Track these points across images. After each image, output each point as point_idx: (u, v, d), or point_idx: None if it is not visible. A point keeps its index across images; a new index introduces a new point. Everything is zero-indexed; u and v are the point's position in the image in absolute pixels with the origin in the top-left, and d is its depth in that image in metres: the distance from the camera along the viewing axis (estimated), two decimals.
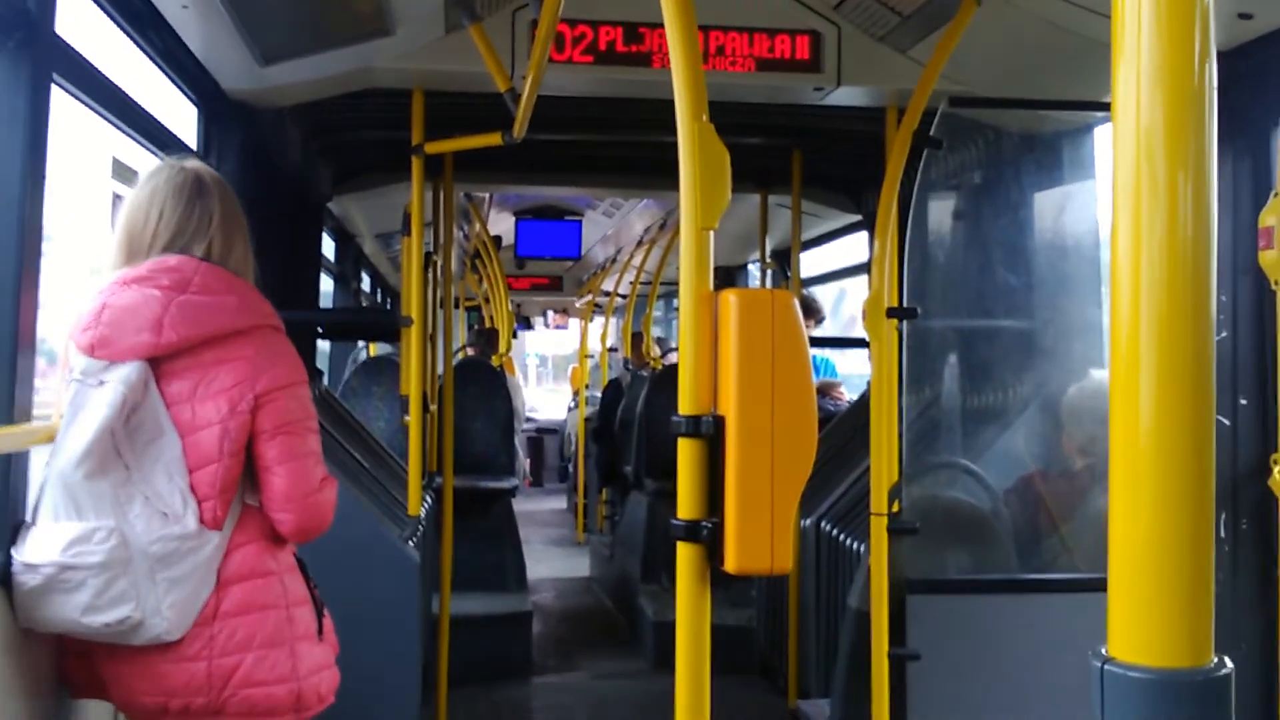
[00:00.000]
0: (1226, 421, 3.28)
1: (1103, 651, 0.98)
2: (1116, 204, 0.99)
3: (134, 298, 2.22)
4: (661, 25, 1.71)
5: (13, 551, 2.13)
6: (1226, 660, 0.97)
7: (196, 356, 2.22)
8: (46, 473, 2.14)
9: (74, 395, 2.15)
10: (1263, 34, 3.10)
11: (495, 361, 9.48)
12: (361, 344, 8.76)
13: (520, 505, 7.95)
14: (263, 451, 2.26)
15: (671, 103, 1.69)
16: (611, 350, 13.11)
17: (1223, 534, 3.29)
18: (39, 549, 2.10)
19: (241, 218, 2.43)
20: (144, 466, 2.16)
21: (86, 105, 2.76)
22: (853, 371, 7.96)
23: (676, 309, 13.10)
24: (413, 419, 4.15)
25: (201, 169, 2.42)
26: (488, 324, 12.66)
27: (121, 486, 2.13)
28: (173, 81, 3.55)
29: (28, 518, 2.18)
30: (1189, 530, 0.96)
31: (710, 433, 1.64)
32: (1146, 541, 0.96)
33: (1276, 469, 2.92)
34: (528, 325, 18.40)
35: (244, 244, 2.41)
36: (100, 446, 2.10)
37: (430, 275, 5.11)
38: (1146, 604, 0.96)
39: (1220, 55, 3.16)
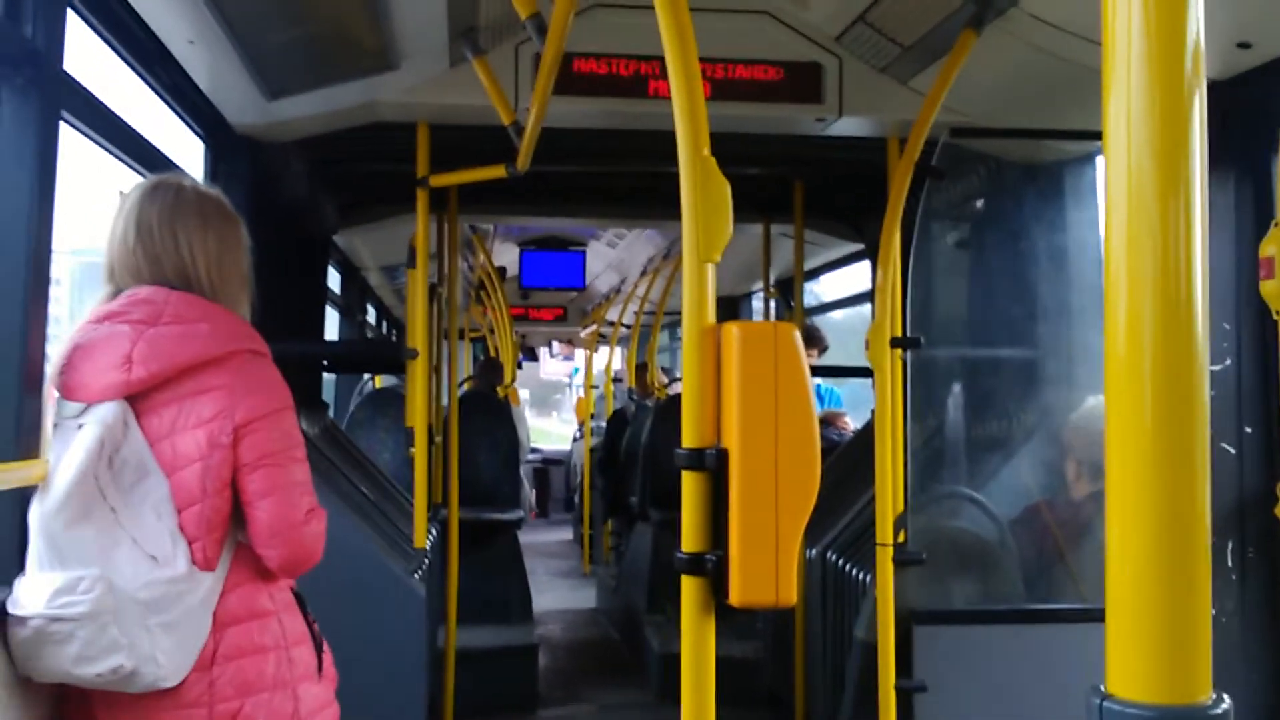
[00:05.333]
0: (1232, 449, 3.28)
1: (1101, 688, 0.98)
2: (1109, 235, 0.99)
3: (104, 335, 2.15)
4: (663, 58, 1.72)
5: (6, 603, 2.06)
6: (1224, 697, 0.97)
7: (175, 389, 2.14)
8: (30, 520, 2.06)
9: (57, 439, 2.10)
10: (1262, 63, 3.11)
11: (500, 393, 9.49)
12: (367, 375, 8.77)
13: (526, 536, 7.94)
14: (245, 485, 2.16)
15: (674, 134, 1.70)
16: (616, 381, 13.11)
17: (1230, 563, 3.27)
18: (26, 601, 2.02)
19: (226, 233, 2.32)
20: (132, 508, 2.08)
21: (94, 141, 2.78)
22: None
23: (681, 339, 13.05)
24: (418, 452, 4.15)
25: (176, 186, 2.32)
26: (492, 354, 12.67)
27: (107, 531, 2.05)
28: (179, 116, 3.58)
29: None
30: (1185, 565, 0.96)
31: (714, 466, 1.63)
32: (1142, 577, 0.96)
33: None
34: (533, 356, 18.41)
35: (226, 262, 2.30)
36: (81, 492, 2.02)
37: (435, 307, 5.13)
38: (1143, 640, 0.96)
39: (1220, 85, 3.19)
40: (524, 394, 17.46)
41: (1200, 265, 0.96)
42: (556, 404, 27.69)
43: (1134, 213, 0.97)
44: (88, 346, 2.15)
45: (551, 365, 19.32)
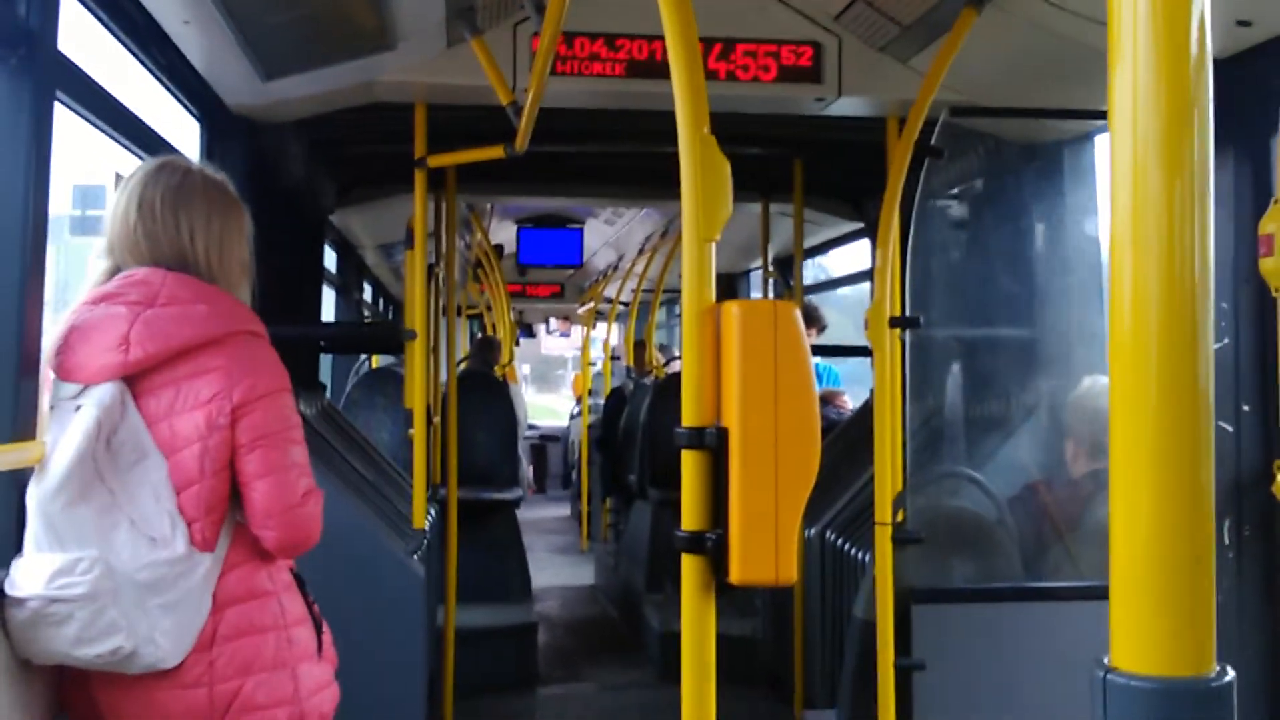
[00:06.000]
0: (1229, 428, 3.28)
1: (1105, 661, 0.98)
2: (1115, 213, 0.99)
3: (100, 316, 2.14)
4: (662, 37, 1.71)
5: (4, 584, 2.07)
6: (1228, 669, 0.97)
7: (171, 371, 2.14)
8: (29, 501, 2.06)
9: (54, 421, 2.10)
10: (1261, 41, 3.10)
11: (498, 372, 9.49)
12: (364, 355, 8.76)
13: (524, 513, 7.95)
14: (242, 466, 2.16)
15: (673, 113, 1.69)
16: (614, 359, 13.13)
17: (1226, 541, 3.28)
18: (24, 582, 2.03)
19: (229, 218, 2.31)
20: (129, 490, 2.08)
21: (89, 121, 2.77)
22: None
23: (679, 316, 13.14)
24: (417, 433, 4.15)
25: (183, 168, 2.31)
26: (489, 331, 12.66)
27: (105, 513, 2.05)
28: (175, 96, 3.56)
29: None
30: (1190, 539, 0.96)
31: (714, 444, 1.63)
32: (1147, 551, 0.97)
33: None
34: (530, 333, 18.40)
35: (227, 246, 2.29)
36: (79, 473, 2.02)
37: (432, 286, 5.12)
38: (1148, 613, 0.96)
39: (1218, 63, 3.17)
40: (525, 370, 17.44)
41: (1206, 242, 0.96)
42: (560, 380, 27.49)
43: (1139, 190, 0.97)
44: (84, 327, 2.14)
45: (554, 341, 19.32)
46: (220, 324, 2.19)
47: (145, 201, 2.25)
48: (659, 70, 3.79)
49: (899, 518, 3.58)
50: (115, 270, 2.25)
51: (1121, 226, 0.98)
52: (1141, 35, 0.97)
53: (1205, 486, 0.97)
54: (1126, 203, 0.98)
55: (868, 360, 3.85)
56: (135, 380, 2.13)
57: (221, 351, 2.17)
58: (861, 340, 3.86)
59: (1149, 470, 0.97)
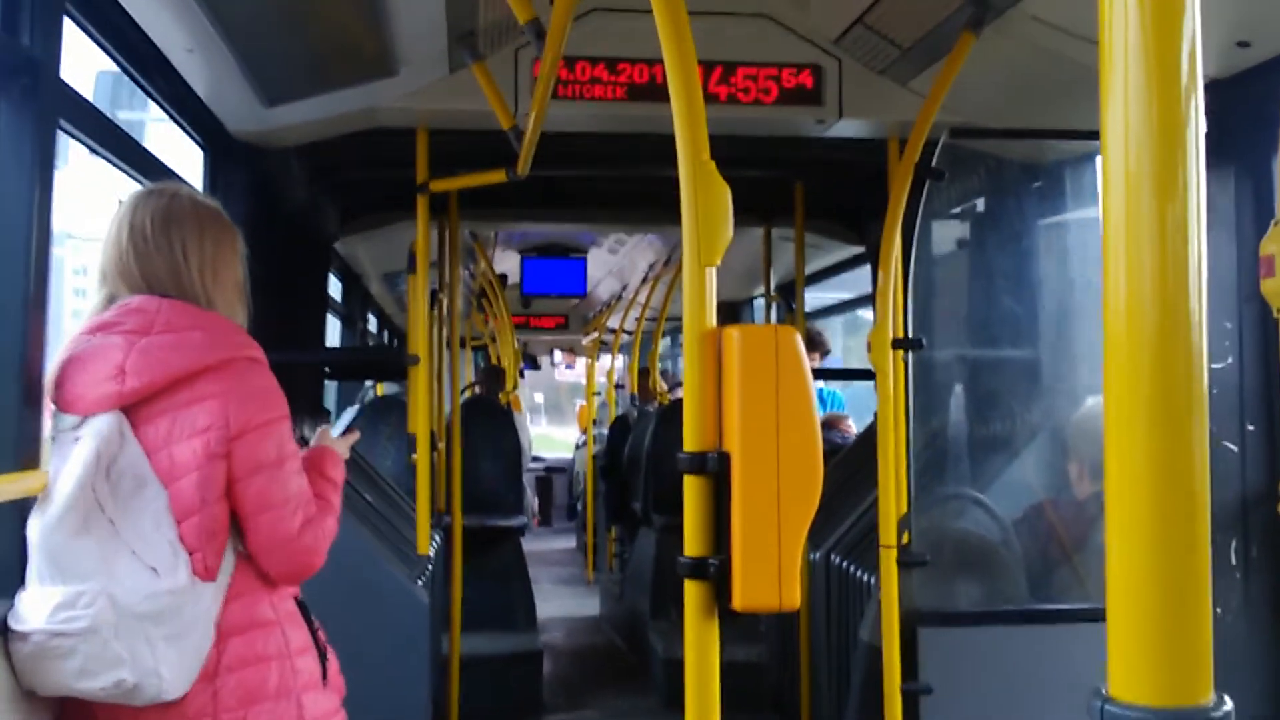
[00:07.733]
0: (1234, 447, 3.27)
1: (1103, 690, 0.97)
2: (1107, 236, 0.99)
3: (96, 346, 2.13)
4: (662, 62, 1.72)
5: (8, 618, 2.05)
6: (1226, 699, 0.96)
7: (170, 399, 2.12)
8: (30, 534, 2.05)
9: (55, 452, 2.09)
10: (1261, 62, 3.11)
11: (502, 399, 9.49)
12: (369, 384, 8.77)
13: (529, 545, 7.92)
14: (239, 498, 2.15)
15: (674, 138, 1.69)
16: (619, 387, 13.12)
17: (1233, 561, 3.27)
18: (27, 615, 2.01)
19: (221, 239, 2.31)
20: (130, 520, 2.06)
21: (92, 150, 2.78)
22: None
23: (683, 345, 13.00)
24: (420, 457, 4.14)
25: (171, 192, 2.31)
26: (494, 363, 12.67)
27: (107, 543, 2.03)
28: (178, 123, 3.58)
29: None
30: (1184, 567, 0.95)
31: (715, 469, 1.63)
32: (1141, 579, 0.95)
33: None
34: (534, 365, 18.37)
35: (221, 267, 2.28)
36: (80, 505, 2.01)
37: (436, 313, 5.13)
38: (1145, 642, 0.95)
39: (1219, 83, 3.19)
40: (538, 399, 17.29)
41: (1198, 264, 0.96)
42: (575, 409, 26.82)
43: (1131, 213, 0.96)
44: (81, 358, 2.13)
45: (567, 370, 19.26)
46: (217, 350, 2.17)
47: (135, 225, 2.24)
48: (660, 94, 3.78)
49: (904, 540, 3.57)
50: (111, 299, 2.24)
51: (1113, 251, 0.98)
52: (1132, 58, 0.97)
53: (1201, 512, 0.96)
54: (1119, 225, 0.97)
55: (871, 385, 3.83)
56: (133, 409, 2.12)
57: (219, 378, 2.15)
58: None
59: (1143, 497, 0.96)
